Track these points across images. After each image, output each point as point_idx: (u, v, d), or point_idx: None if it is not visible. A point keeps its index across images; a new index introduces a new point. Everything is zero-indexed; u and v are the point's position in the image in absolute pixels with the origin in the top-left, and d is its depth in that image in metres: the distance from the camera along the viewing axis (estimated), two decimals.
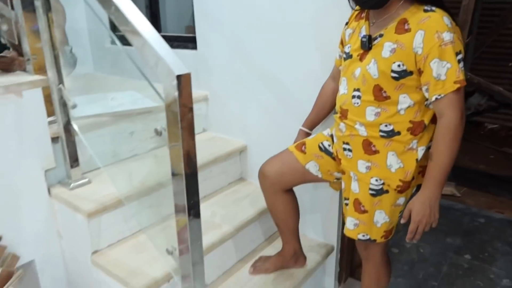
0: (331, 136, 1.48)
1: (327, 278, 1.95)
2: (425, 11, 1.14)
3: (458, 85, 1.12)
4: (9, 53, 1.54)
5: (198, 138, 2.10)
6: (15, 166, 1.42)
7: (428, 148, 1.28)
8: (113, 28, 1.97)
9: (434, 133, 1.20)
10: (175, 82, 1.00)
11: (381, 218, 1.34)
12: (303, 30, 1.65)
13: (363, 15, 1.31)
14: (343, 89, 1.35)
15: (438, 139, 1.18)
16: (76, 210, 1.46)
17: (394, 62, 1.17)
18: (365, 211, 1.34)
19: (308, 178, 1.53)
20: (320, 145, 1.49)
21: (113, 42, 2.55)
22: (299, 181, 1.56)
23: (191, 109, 1.05)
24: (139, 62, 1.36)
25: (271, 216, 1.67)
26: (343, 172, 1.43)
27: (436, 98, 1.15)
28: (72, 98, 1.50)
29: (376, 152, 1.29)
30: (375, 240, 1.37)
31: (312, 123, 1.59)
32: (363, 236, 1.38)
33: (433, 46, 1.11)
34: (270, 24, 1.74)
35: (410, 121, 1.23)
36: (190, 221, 1.13)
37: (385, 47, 1.19)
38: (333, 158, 1.47)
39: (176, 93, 1.01)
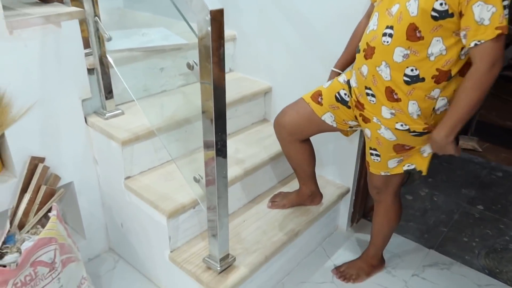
0: (348, 82, 1.47)
1: (341, 217, 2.06)
2: None
3: (499, 31, 1.08)
4: None
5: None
6: (55, 94, 1.52)
7: (449, 102, 1.28)
8: None
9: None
10: (208, 16, 1.05)
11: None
12: None
13: None
14: (372, 24, 1.30)
15: (461, 84, 1.19)
16: (110, 138, 1.57)
17: (437, 0, 1.12)
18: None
19: (323, 128, 1.57)
20: (337, 95, 1.49)
21: None
22: (315, 131, 1.60)
23: (222, 44, 1.10)
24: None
25: (288, 162, 1.74)
26: (366, 120, 1.41)
27: (476, 44, 1.11)
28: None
29: (398, 100, 1.29)
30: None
31: (344, 64, 1.57)
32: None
33: None
34: None
35: (437, 69, 1.21)
36: (217, 156, 1.21)
37: None
38: (348, 107, 1.48)
39: (209, 28, 1.06)
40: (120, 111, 1.69)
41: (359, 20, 1.52)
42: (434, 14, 1.13)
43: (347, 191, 1.98)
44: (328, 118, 1.53)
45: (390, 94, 1.30)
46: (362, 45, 1.35)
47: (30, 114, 1.47)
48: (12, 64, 1.38)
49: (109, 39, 1.51)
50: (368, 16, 1.47)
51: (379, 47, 1.27)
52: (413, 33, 1.18)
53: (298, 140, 1.62)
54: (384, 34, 1.24)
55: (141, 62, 1.77)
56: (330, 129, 1.57)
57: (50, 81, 1.49)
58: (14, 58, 1.38)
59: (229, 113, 1.90)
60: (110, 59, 1.59)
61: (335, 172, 2.01)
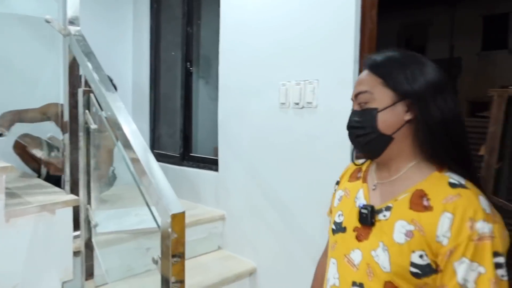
0: None
1: None
2: (452, 185, 0.82)
3: None
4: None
5: (212, 256, 2.21)
6: (37, 276, 1.57)
7: None
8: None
9: None
10: (169, 220, 1.15)
11: None
12: (313, 168, 1.79)
13: (360, 175, 1.01)
14: (332, 277, 0.95)
15: None
16: None
17: (413, 251, 0.81)
18: None
19: None
20: None
21: None
22: None
23: (183, 244, 1.18)
24: None
25: None
26: None
27: None
28: (99, 212, 1.70)
29: None
30: None
31: None
32: None
33: (464, 239, 0.77)
34: (284, 158, 1.91)
35: None
36: None
37: (397, 227, 0.84)
38: None
39: (170, 229, 1.15)
40: None
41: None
42: (414, 270, 0.81)
43: None
44: None
45: None
46: None
47: None
48: (1, 249, 1.48)
49: (96, 226, 1.63)
50: (326, 253, 1.09)
51: None
52: None
53: None
54: None
55: (128, 243, 1.85)
56: None
57: (35, 264, 1.56)
58: (4, 243, 1.49)
59: None
60: (94, 243, 1.68)
61: None
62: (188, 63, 2.61)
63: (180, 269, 1.17)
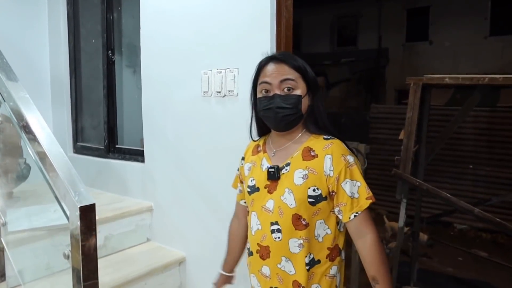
0: None
1: None
2: (325, 139, 1.24)
3: (370, 201, 1.18)
4: None
5: (140, 248, 2.17)
6: None
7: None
8: None
9: (364, 254, 1.20)
10: (78, 213, 1.11)
11: None
12: (236, 155, 1.79)
13: (260, 148, 1.36)
14: (255, 224, 1.29)
15: (375, 259, 1.18)
16: None
17: (309, 187, 1.20)
18: None
19: None
20: None
21: None
22: None
23: (93, 236, 1.14)
24: None
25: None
26: None
27: (355, 216, 1.18)
28: (13, 209, 1.59)
29: None
30: None
31: (230, 266, 1.52)
32: None
33: (342, 167, 1.18)
34: (209, 146, 1.92)
35: (328, 248, 1.24)
36: None
37: (296, 174, 1.21)
38: None
39: (79, 223, 1.11)
40: None
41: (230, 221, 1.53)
42: (310, 200, 1.20)
43: None
44: None
45: (297, 287, 1.25)
46: (253, 247, 1.32)
47: None
48: None
49: (4, 224, 1.53)
50: (236, 215, 1.51)
51: (273, 245, 1.25)
52: (298, 222, 1.21)
53: None
54: (273, 231, 1.24)
55: (45, 241, 1.76)
56: None
57: None
58: None
59: None
60: (4, 243, 1.58)
61: None
62: (110, 52, 2.50)
63: (91, 264, 1.14)
